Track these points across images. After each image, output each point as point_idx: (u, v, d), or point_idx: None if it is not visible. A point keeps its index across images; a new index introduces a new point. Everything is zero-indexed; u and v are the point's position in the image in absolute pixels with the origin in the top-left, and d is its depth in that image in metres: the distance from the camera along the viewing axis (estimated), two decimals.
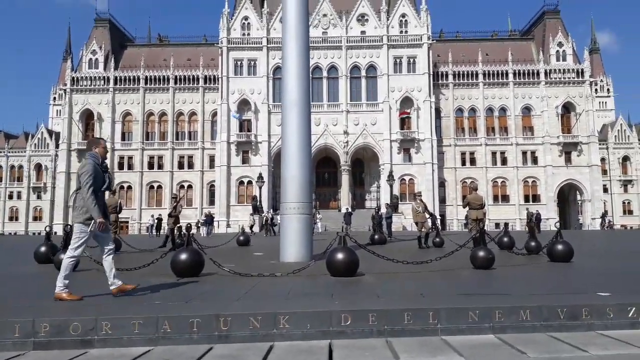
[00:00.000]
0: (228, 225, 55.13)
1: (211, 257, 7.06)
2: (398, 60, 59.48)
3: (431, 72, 59.24)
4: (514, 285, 6.13)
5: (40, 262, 9.45)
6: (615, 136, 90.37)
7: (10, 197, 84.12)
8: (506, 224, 14.25)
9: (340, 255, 6.49)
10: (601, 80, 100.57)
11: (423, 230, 14.26)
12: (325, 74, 59.63)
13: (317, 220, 35.35)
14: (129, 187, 63.06)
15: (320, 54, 59.29)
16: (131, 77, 64.07)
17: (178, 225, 14.98)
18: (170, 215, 15.38)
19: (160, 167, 63.61)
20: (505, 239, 13.23)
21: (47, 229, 9.69)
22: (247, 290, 5.47)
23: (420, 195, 16.17)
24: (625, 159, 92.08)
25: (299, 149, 11.66)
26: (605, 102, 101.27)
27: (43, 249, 9.73)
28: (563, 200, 62.86)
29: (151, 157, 63.65)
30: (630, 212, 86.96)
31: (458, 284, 6.15)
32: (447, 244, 15.03)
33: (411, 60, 59.46)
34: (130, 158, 63.53)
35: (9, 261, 12.00)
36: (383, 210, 31.01)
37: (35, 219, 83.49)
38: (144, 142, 63.43)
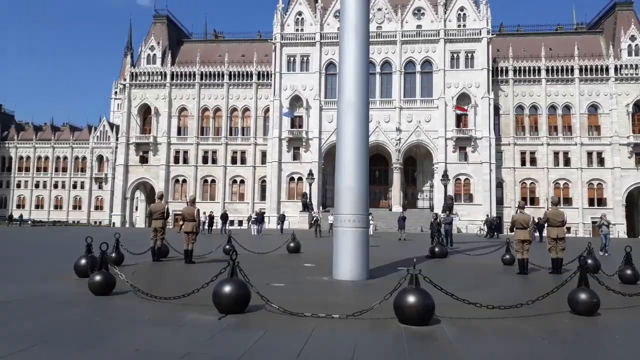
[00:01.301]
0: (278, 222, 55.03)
1: (258, 290, 6.41)
2: (455, 55, 57.31)
3: (490, 68, 56.70)
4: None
5: (82, 276, 9.07)
6: None
7: (75, 186, 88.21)
8: (589, 243, 12.75)
9: (412, 300, 5.63)
10: None
11: (525, 254, 11.65)
12: (378, 69, 58.31)
13: (370, 221, 34.41)
14: (184, 181, 64.32)
15: (373, 49, 57.89)
16: (187, 73, 65.14)
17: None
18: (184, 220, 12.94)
19: (214, 161, 64.46)
20: (589, 261, 11.90)
21: (89, 239, 9.26)
22: (301, 345, 4.76)
23: (523, 204, 13.59)
24: None
25: (355, 156, 10.89)
26: None
27: (83, 262, 9.27)
28: (632, 204, 58.82)
29: (205, 152, 64.59)
30: None
31: (566, 347, 5.13)
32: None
33: (469, 55, 57.14)
34: (185, 152, 64.73)
35: (46, 269, 11.29)
36: (438, 213, 29.64)
37: (96, 208, 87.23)
38: (199, 137, 64.41)
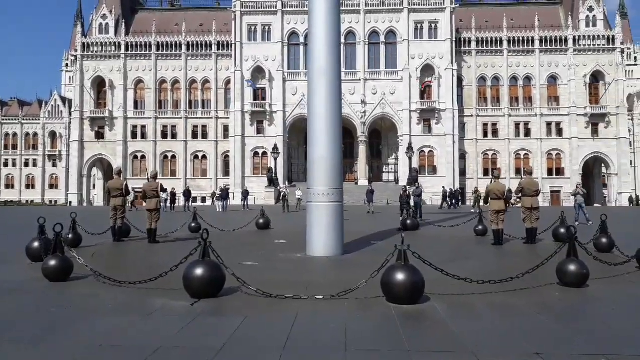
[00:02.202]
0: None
1: (235, 272, 5.86)
2: (419, 26, 56.96)
3: (454, 39, 56.69)
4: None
5: (35, 260, 8.30)
6: None
7: (27, 164, 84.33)
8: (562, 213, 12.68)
9: (401, 277, 5.20)
10: (628, 48, 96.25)
11: (500, 225, 11.38)
12: (342, 40, 57.35)
13: None
14: (143, 157, 62.27)
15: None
16: (142, 43, 62.38)
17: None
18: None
19: (174, 136, 62.56)
20: (562, 230, 11.86)
21: (42, 220, 8.45)
22: (287, 331, 4.27)
23: (499, 174, 13.59)
24: None
25: (328, 125, 10.29)
26: (632, 71, 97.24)
27: (36, 244, 8.47)
28: (587, 173, 60.81)
29: (164, 126, 62.53)
30: None
31: (563, 321, 4.82)
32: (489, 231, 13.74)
33: (433, 25, 56.89)
34: (143, 127, 62.49)
35: None
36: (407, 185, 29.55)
37: (51, 187, 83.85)
38: (157, 111, 62.20)
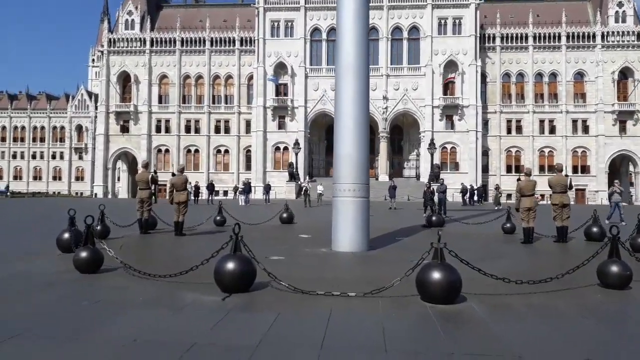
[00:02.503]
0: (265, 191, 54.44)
1: (265, 266, 5.83)
2: (442, 21, 56.22)
3: (478, 34, 55.83)
4: None
5: (65, 251, 8.41)
6: None
7: (54, 157, 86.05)
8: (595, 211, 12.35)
9: (437, 276, 5.09)
10: None
11: (530, 222, 11.13)
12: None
13: None
14: (167, 151, 62.94)
15: None
16: (167, 39, 62.93)
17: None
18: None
19: (197, 130, 63.04)
20: (595, 229, 11.57)
21: (72, 212, 8.54)
22: (322, 330, 4.19)
23: (530, 171, 12.43)
24: None
25: (355, 122, 10.22)
26: None
27: (66, 236, 8.60)
28: (614, 172, 59.34)
29: (188, 121, 63.07)
30: None
31: (609, 324, 4.64)
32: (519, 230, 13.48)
33: (457, 21, 56.09)
34: (167, 121, 63.12)
35: (25, 244, 10.59)
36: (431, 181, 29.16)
37: (77, 179, 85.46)
38: (181, 106, 62.74)
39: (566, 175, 12.12)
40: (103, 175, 63.20)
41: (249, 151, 60.93)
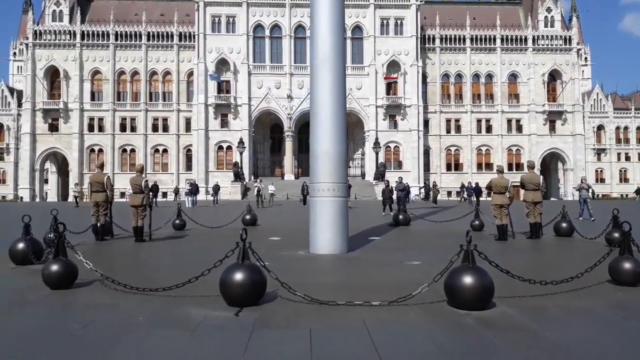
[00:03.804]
0: (207, 192, 52.84)
1: (276, 274, 5.25)
2: (385, 22, 56.99)
3: (419, 35, 57.07)
4: None
5: (20, 263, 7.40)
6: (592, 105, 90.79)
7: None
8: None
9: (470, 280, 4.72)
10: (579, 49, 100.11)
11: (504, 219, 11.12)
12: (308, 34, 56.74)
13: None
14: (100, 150, 59.62)
15: (303, 12, 56.40)
16: (100, 32, 59.61)
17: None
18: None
19: (133, 129, 60.19)
20: (564, 225, 11.78)
21: (27, 219, 7.54)
22: (371, 347, 3.66)
23: (502, 168, 12.25)
24: (600, 128, 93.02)
25: (333, 117, 9.76)
26: (583, 71, 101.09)
27: (21, 246, 7.57)
28: (545, 169, 62.74)
29: (123, 119, 60.07)
30: (603, 181, 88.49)
31: None
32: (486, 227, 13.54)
33: (398, 22, 57.06)
34: (101, 119, 59.79)
35: None
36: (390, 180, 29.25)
37: None
38: (116, 103, 59.66)
39: (540, 174, 12.33)
40: (29, 178, 58.89)
41: (189, 151, 58.97)
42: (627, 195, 66.28)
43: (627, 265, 5.96)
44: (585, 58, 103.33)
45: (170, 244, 11.03)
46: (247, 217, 15.38)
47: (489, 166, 60.52)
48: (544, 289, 5.53)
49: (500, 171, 11.98)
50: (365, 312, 4.72)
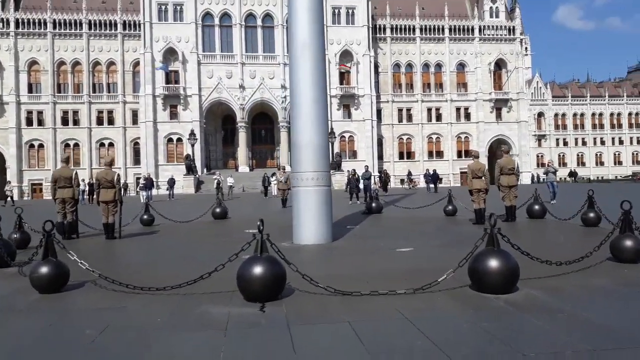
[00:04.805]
0: (157, 187, 51.21)
1: (296, 267, 5.00)
2: (336, 11, 56.87)
3: (370, 25, 57.37)
4: None
5: None
6: (532, 93, 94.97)
7: None
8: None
9: (496, 264, 4.64)
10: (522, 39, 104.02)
11: (481, 204, 11.30)
12: (259, 22, 55.88)
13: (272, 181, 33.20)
14: (41, 146, 56.36)
15: (253, 0, 55.47)
16: (36, 20, 56.06)
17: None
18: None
19: (76, 122, 57.27)
20: (537, 207, 12.11)
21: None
22: (424, 340, 3.51)
23: (477, 153, 13.22)
24: (540, 115, 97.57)
25: (314, 106, 9.58)
26: (524, 60, 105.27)
27: None
28: (492, 155, 64.87)
29: (65, 112, 57.00)
30: (543, 165, 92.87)
31: None
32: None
33: (350, 11, 57.09)
34: (40, 113, 56.46)
35: None
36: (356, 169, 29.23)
37: None
38: (56, 95, 56.50)
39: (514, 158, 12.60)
40: None
41: (137, 144, 56.84)
42: (565, 178, 69.65)
43: (628, 243, 6.11)
44: (526, 48, 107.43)
45: (147, 240, 10.49)
46: (218, 210, 14.92)
47: (439, 154, 62.04)
48: (555, 269, 5.57)
49: (476, 156, 12.16)
50: (395, 301, 4.57)
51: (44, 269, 5.25)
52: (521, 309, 4.27)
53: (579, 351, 3.26)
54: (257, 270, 4.68)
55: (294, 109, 9.74)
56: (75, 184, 10.56)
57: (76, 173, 10.72)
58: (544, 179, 20.62)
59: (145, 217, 13.43)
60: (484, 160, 60.96)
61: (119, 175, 10.79)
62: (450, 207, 13.82)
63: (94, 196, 30.91)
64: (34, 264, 5.37)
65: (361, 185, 20.97)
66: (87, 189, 30.27)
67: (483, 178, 11.60)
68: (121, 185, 10.87)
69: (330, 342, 3.58)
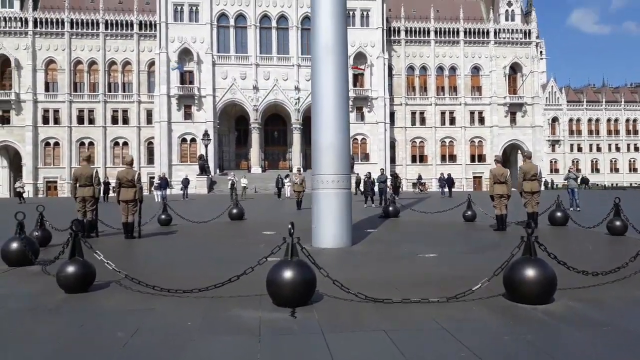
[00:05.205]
0: (171, 187, 51.41)
1: (327, 272, 4.90)
2: (351, 13, 56.74)
3: (385, 27, 57.22)
4: None
5: (15, 264, 6.79)
6: (547, 98, 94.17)
7: None
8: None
9: (534, 273, 4.50)
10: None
11: (503, 210, 11.09)
12: (274, 24, 55.98)
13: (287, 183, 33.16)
14: (57, 144, 56.92)
15: (268, 1, 55.60)
16: (54, 20, 56.68)
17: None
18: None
19: (91, 121, 57.78)
20: (559, 214, 11.90)
21: (20, 216, 6.90)
22: (467, 352, 3.40)
23: (501, 158, 12.78)
24: (554, 120, 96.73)
25: (336, 108, 9.48)
26: (539, 64, 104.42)
27: (15, 245, 6.91)
28: (505, 160, 64.32)
29: (80, 111, 57.54)
30: (557, 171, 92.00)
31: None
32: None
33: (364, 13, 56.99)
34: (56, 111, 57.04)
35: None
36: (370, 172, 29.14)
37: None
38: (72, 94, 57.04)
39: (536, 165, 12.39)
40: None
41: (151, 143, 57.16)
42: (581, 185, 68.83)
43: None
44: (541, 52, 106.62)
45: (166, 240, 10.46)
46: (234, 211, 14.87)
47: (452, 158, 61.64)
48: (590, 279, 5.42)
49: (498, 161, 11.99)
50: (429, 310, 4.46)
51: (71, 269, 5.21)
52: (562, 321, 4.13)
53: None
54: (288, 274, 4.60)
55: (315, 111, 9.67)
56: (96, 182, 10.57)
57: (97, 172, 10.75)
58: (564, 185, 20.30)
59: (163, 217, 13.42)
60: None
61: (139, 174, 10.80)
62: (469, 213, 13.64)
63: (108, 194, 31.16)
64: (62, 263, 5.33)
65: (376, 189, 20.83)
66: (102, 187, 30.43)
67: (505, 183, 11.42)
68: (141, 184, 10.85)
69: (369, 353, 3.48)
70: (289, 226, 4.83)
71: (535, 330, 3.93)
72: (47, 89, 56.98)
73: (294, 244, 4.80)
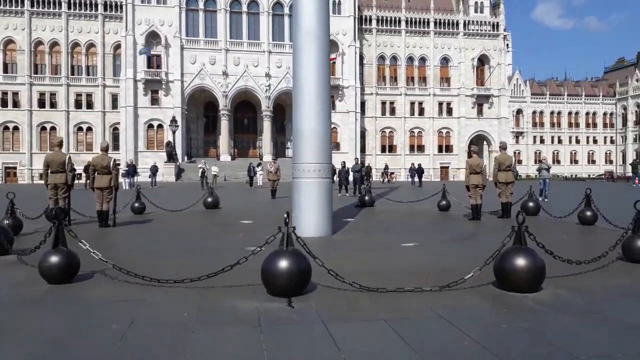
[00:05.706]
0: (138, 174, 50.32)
1: (322, 261, 4.88)
2: None
3: (356, 15, 57.14)
4: None
5: None
6: (512, 90, 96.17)
7: None
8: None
9: (525, 262, 4.59)
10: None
11: (478, 200, 11.33)
12: (245, 8, 55.12)
13: (259, 171, 32.88)
14: (15, 128, 54.85)
15: None
16: None
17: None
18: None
19: (53, 105, 55.84)
20: (531, 204, 12.22)
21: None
22: (471, 342, 3.45)
23: (477, 149, 13.15)
24: (519, 112, 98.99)
25: (318, 95, 9.42)
26: (506, 57, 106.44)
27: None
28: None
29: (42, 94, 55.51)
30: (520, 162, 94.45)
31: None
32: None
33: (336, 0, 56.68)
34: (15, 94, 54.87)
35: None
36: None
37: None
38: (32, 76, 54.93)
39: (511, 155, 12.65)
40: None
41: (116, 129, 55.80)
42: (536, 176, 71.04)
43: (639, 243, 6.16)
44: (507, 44, 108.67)
45: (143, 229, 10.23)
46: (209, 199, 14.66)
47: (420, 148, 62.46)
48: (573, 268, 5.59)
49: (475, 152, 12.18)
50: (423, 299, 4.51)
51: (54, 259, 5.02)
52: (553, 309, 4.24)
53: (629, 354, 3.24)
54: (284, 264, 4.56)
55: (296, 97, 9.56)
56: (69, 169, 10.23)
57: (69, 158, 10.38)
58: (536, 176, 20.78)
59: (136, 205, 13.11)
60: (464, 155, 61.67)
61: (115, 160, 10.50)
62: (444, 202, 13.85)
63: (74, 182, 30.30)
64: (44, 253, 5.13)
65: (350, 178, 20.93)
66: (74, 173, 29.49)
67: (481, 174, 11.63)
68: (118, 171, 10.56)
69: (374, 342, 3.48)
70: (285, 215, 4.79)
71: (529, 318, 4.02)
72: (5, 70, 54.72)
73: (289, 234, 4.77)
